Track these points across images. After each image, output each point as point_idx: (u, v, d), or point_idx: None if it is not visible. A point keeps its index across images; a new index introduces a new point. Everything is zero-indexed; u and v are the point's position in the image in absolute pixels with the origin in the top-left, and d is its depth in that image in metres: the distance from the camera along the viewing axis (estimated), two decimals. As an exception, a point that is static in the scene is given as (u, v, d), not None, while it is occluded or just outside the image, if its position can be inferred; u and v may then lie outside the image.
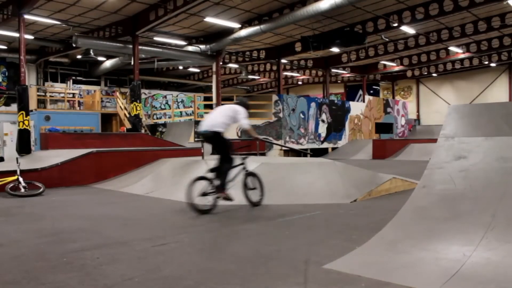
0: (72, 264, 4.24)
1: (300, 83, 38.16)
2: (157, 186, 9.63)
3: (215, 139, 7.27)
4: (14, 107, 20.50)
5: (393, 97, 36.55)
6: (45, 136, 14.84)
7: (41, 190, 9.50)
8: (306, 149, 23.21)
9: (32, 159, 12.67)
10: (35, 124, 18.39)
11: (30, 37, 19.84)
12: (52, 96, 23.90)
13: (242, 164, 7.44)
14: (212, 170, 7.17)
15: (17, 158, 10.36)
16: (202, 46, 22.00)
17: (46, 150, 13.80)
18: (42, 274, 3.93)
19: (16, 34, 17.12)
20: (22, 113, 15.73)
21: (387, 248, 4.20)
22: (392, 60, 29.53)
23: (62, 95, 24.47)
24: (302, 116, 25.17)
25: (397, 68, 30.80)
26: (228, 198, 7.10)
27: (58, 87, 25.28)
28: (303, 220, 6.33)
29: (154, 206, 7.93)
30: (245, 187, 7.40)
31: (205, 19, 19.30)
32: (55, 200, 8.82)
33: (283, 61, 27.18)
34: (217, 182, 7.00)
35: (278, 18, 18.39)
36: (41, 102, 22.45)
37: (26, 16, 16.70)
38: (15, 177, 9.54)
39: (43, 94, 23.41)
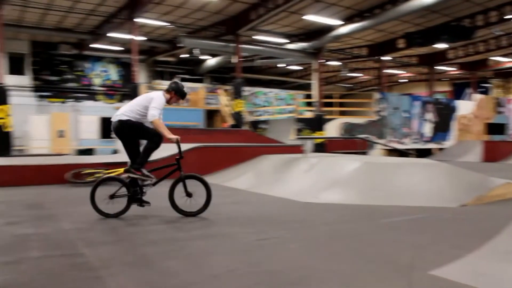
0: (179, 252, 4.48)
1: (403, 81, 36.81)
2: (258, 182, 9.82)
3: (122, 129, 6.19)
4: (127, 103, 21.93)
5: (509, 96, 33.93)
6: (155, 131, 15.75)
7: (150, 181, 10.08)
8: (409, 150, 22.33)
9: (143, 152, 13.50)
10: (145, 119, 19.56)
11: (142, 38, 21.13)
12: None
13: (176, 164, 6.40)
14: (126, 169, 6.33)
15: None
16: (303, 44, 22.02)
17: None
18: (152, 259, 4.20)
19: (130, 37, 18.43)
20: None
21: (501, 258, 3.93)
22: (505, 56, 27.44)
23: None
24: (405, 115, 24.24)
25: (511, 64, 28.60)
26: (146, 177, 6.30)
27: (166, 84, 26.62)
28: (407, 222, 6.11)
29: (256, 201, 8.09)
30: (173, 191, 6.42)
31: (305, 17, 19.29)
32: (163, 191, 9.31)
33: (385, 58, 26.38)
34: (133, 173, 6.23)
35: (380, 14, 17.89)
36: (151, 99, 23.81)
37: (138, 20, 17.88)
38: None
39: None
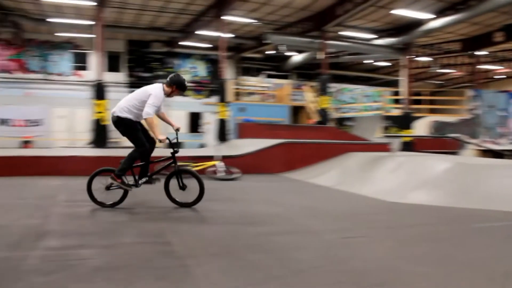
0: (263, 246, 4.52)
1: (500, 77, 34.48)
2: (343, 180, 9.67)
3: (118, 125, 6.24)
4: (214, 99, 22.61)
5: None
6: (241, 126, 16.06)
7: (237, 175, 10.33)
8: (505, 150, 20.91)
9: (229, 147, 13.82)
10: (231, 114, 19.99)
11: (229, 35, 21.55)
12: (247, 89, 25.64)
13: (171, 158, 6.46)
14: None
15: (217, 145, 11.46)
16: (391, 39, 21.34)
17: (241, 138, 14.93)
18: (237, 252, 4.28)
19: (217, 34, 18.91)
20: (221, 104, 17.30)
21: None
22: None
23: (255, 88, 26.09)
24: (502, 113, 22.71)
25: None
26: (126, 186, 6.27)
27: (252, 80, 27.01)
28: (502, 228, 5.69)
29: (340, 199, 7.97)
30: (168, 184, 6.54)
31: (394, 11, 18.64)
32: (249, 185, 9.48)
33: (480, 53, 24.83)
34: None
35: (476, 5, 16.78)
36: (237, 95, 24.24)
37: (226, 18, 18.27)
38: (214, 162, 10.52)
39: (239, 87, 25.25)
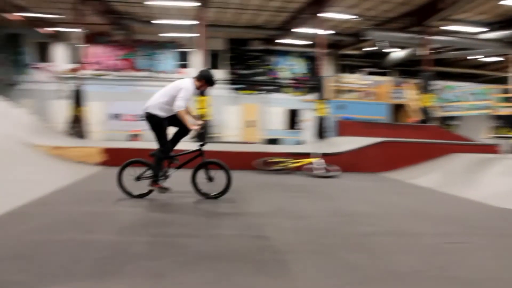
0: (362, 246, 4.43)
1: None
2: (446, 181, 9.19)
3: (148, 121, 6.35)
4: (313, 96, 22.57)
5: None
6: (339, 124, 15.88)
7: (336, 173, 10.26)
8: None
9: (327, 144, 13.73)
10: (330, 112, 19.80)
11: (328, 32, 21.33)
12: (346, 86, 25.26)
13: (199, 150, 6.61)
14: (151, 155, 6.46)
15: (315, 142, 11.45)
16: (501, 33, 19.86)
17: (340, 136, 14.75)
18: (335, 250, 4.24)
19: (316, 31, 18.81)
20: (320, 101, 17.22)
21: None
22: None
23: (354, 85, 25.63)
24: None
25: None
26: (163, 190, 6.39)
27: (351, 77, 26.56)
28: None
29: (444, 201, 7.58)
30: (195, 176, 6.61)
31: (504, 2, 17.30)
32: (347, 184, 9.35)
33: None
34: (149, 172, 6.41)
35: None
36: (336, 92, 23.96)
37: (324, 14, 18.11)
38: (312, 159, 10.50)
39: (338, 84, 24.95)
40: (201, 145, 6.65)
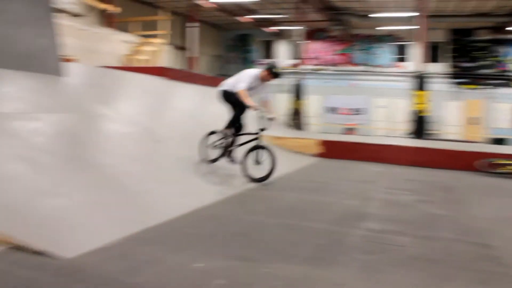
0: None
1: None
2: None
3: (225, 96, 7.13)
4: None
5: None
6: None
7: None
8: None
9: None
10: None
11: None
12: None
13: (256, 134, 6.88)
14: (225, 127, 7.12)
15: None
16: None
17: None
18: None
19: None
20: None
21: None
22: None
23: None
24: None
25: None
26: (225, 133, 7.09)
27: None
28: None
29: None
30: (246, 158, 6.87)
31: None
32: None
33: None
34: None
35: None
36: None
37: None
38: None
39: None
40: (261, 130, 6.90)
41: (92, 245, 3.44)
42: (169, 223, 4.30)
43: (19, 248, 3.22)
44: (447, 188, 7.52)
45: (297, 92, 18.37)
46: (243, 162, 6.98)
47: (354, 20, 22.83)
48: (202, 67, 25.20)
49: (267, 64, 7.40)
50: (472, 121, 23.09)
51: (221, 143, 7.17)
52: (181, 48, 23.94)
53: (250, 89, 6.87)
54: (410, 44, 23.84)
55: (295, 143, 11.15)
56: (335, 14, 21.77)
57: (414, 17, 18.64)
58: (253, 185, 6.58)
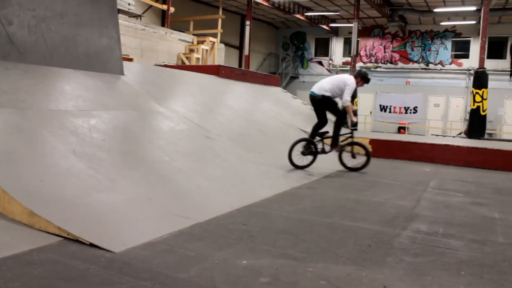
0: None
1: None
2: None
3: (323, 102, 7.60)
4: None
5: None
6: None
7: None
8: None
9: None
10: None
11: None
12: None
13: (350, 133, 7.90)
14: (313, 132, 7.86)
15: None
16: None
17: None
18: None
19: None
20: None
21: None
22: None
23: None
24: None
25: None
26: (341, 150, 7.91)
27: None
28: None
29: None
30: (341, 152, 7.96)
31: None
32: None
33: None
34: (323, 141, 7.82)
35: None
36: None
37: None
38: None
39: None
40: (353, 129, 7.98)
41: (141, 240, 3.58)
42: (217, 220, 4.39)
43: (73, 240, 3.41)
44: (502, 190, 7.21)
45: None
46: (340, 155, 8.01)
47: (412, 16, 22.26)
48: (256, 65, 25.39)
49: (358, 71, 8.03)
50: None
51: (311, 149, 7.80)
52: (236, 46, 24.20)
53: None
54: (470, 39, 22.98)
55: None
56: (392, 10, 21.31)
57: (476, 11, 17.96)
58: (301, 184, 6.58)
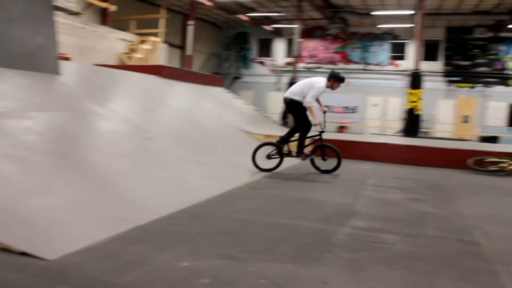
0: None
1: None
2: None
3: (291, 106, 7.62)
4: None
5: None
6: None
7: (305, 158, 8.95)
8: None
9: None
10: None
11: None
12: None
13: (319, 135, 7.90)
14: (282, 137, 7.85)
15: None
16: None
17: None
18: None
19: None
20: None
21: None
22: None
23: None
24: None
25: None
26: (307, 156, 7.85)
27: None
28: None
29: None
30: (313, 154, 7.97)
31: None
32: None
33: None
34: (285, 148, 7.86)
35: None
36: None
37: None
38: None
39: None
40: (321, 132, 7.90)
41: (78, 246, 3.45)
42: (157, 222, 4.32)
43: (2, 249, 3.23)
44: (437, 186, 7.57)
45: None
46: (312, 158, 7.99)
47: (352, 18, 22.87)
48: (199, 65, 25.23)
49: (331, 72, 7.81)
50: (464, 119, 23.20)
51: (277, 153, 7.83)
52: (179, 46, 23.95)
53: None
54: (407, 42, 23.91)
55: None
56: (334, 12, 21.80)
57: (412, 15, 18.70)
58: (242, 184, 6.61)
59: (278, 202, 5.67)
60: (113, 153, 6.00)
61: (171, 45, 22.02)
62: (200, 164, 7.14)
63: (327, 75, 7.71)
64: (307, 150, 7.95)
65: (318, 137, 7.97)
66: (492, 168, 9.53)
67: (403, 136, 15.08)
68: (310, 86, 7.45)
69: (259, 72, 26.91)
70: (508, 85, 23.34)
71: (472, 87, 23.67)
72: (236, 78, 27.18)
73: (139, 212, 4.53)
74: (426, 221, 5.10)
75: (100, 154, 5.74)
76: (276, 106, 20.24)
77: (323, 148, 7.96)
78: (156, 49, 17.25)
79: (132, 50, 16.42)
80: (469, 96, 23.49)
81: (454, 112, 23.54)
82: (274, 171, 7.83)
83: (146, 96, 9.67)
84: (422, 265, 3.57)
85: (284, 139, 7.86)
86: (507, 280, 3.33)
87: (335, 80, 7.60)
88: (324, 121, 7.79)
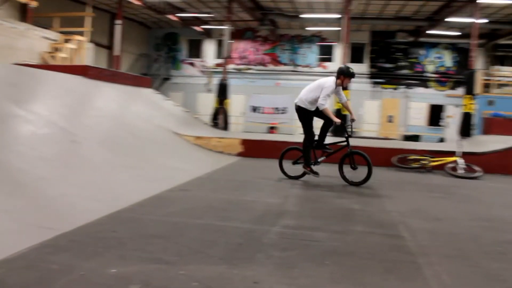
0: (505, 255, 4.08)
1: None
2: None
3: (298, 113, 7.35)
4: (459, 91, 21.09)
5: None
6: (488, 121, 14.58)
7: (478, 174, 9.43)
8: None
9: (472, 143, 12.74)
10: (477, 108, 18.23)
11: (483, 21, 19.58)
12: (498, 80, 22.99)
13: (345, 141, 7.40)
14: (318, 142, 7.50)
15: (459, 141, 10.69)
16: None
17: (487, 135, 13.57)
18: (474, 257, 3.96)
19: (469, 20, 17.38)
20: (468, 97, 15.96)
21: None
22: None
23: (508, 79, 23.21)
24: None
25: None
26: (313, 173, 7.39)
27: (505, 70, 24.09)
28: None
29: None
30: (342, 164, 7.45)
31: None
32: (493, 187, 8.61)
33: None
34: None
35: None
36: (486, 86, 21.95)
37: (482, 1, 16.64)
38: (454, 158, 9.80)
39: (489, 78, 22.79)
40: (347, 137, 7.40)
41: (-5, 256, 3.26)
42: (84, 228, 4.18)
43: None
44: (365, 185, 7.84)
45: (222, 92, 18.40)
46: (340, 168, 7.50)
47: (282, 20, 23.24)
48: (127, 66, 24.62)
49: (339, 68, 7.35)
50: (389, 119, 24.33)
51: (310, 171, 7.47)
52: (106, 46, 23.25)
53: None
54: (335, 45, 24.66)
55: (218, 143, 11.19)
56: (263, 14, 22.04)
57: (339, 18, 19.30)
58: (173, 186, 6.52)
59: (208, 203, 5.65)
60: (37, 157, 5.72)
61: (98, 44, 21.29)
62: (129, 167, 6.97)
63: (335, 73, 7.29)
64: (336, 156, 7.53)
65: (345, 143, 7.47)
66: (414, 165, 10.05)
67: (331, 135, 15.47)
68: (320, 87, 7.07)
69: (189, 73, 26.68)
70: (427, 87, 24.73)
71: (395, 89, 24.84)
72: (166, 79, 26.78)
73: (64, 218, 4.35)
74: (353, 217, 5.29)
75: (21, 159, 5.45)
76: (207, 107, 20.16)
77: (352, 155, 7.38)
78: (81, 49, 16.61)
79: (56, 49, 15.71)
80: (393, 97, 24.65)
81: (379, 112, 24.59)
82: (301, 178, 7.72)
83: (71, 97, 9.29)
84: (350, 260, 3.70)
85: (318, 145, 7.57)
86: (427, 270, 3.53)
87: (345, 76, 7.12)
88: (352, 129, 7.54)
